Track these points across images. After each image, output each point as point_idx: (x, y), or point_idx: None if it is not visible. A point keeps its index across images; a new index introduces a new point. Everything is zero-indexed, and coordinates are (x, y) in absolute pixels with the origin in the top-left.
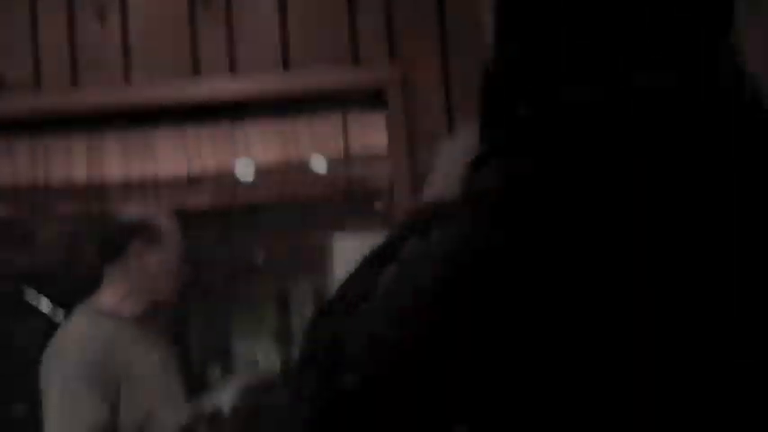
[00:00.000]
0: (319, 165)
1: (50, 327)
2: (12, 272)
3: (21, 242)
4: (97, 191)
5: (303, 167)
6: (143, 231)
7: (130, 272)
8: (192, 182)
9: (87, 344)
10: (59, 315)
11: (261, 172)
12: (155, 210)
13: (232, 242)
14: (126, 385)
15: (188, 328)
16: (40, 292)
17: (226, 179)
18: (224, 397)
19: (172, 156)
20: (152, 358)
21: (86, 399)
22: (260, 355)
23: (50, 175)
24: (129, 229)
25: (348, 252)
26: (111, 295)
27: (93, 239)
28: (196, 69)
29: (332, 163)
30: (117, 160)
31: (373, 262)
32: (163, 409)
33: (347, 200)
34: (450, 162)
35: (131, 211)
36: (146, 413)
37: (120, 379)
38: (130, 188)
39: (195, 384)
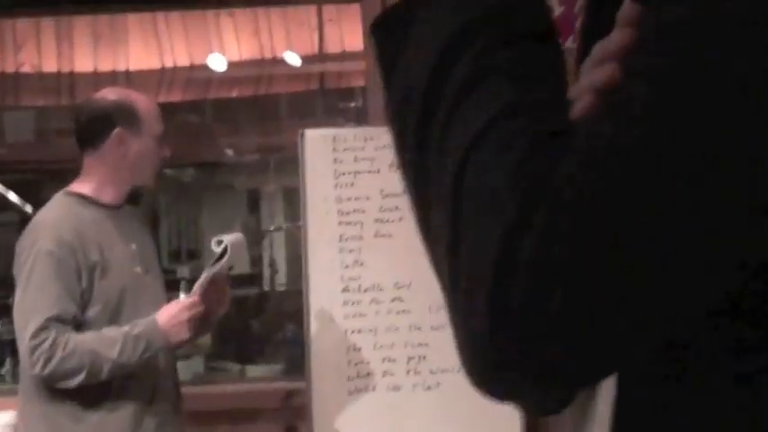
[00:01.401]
0: (293, 60)
1: (20, 220)
2: None
3: None
4: (67, 83)
5: (276, 63)
6: (122, 117)
7: (110, 159)
8: (164, 76)
9: (61, 230)
10: (28, 208)
11: (233, 66)
12: (133, 93)
13: (203, 138)
14: (100, 273)
15: (158, 222)
16: (8, 185)
17: (198, 73)
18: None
19: (143, 48)
20: (129, 247)
21: (51, 289)
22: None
23: (19, 64)
24: (108, 116)
25: (318, 148)
26: (90, 182)
27: (74, 124)
28: None
29: (305, 59)
30: (87, 51)
31: None
32: (139, 299)
33: (320, 96)
34: None
35: (109, 95)
36: (118, 302)
37: (94, 267)
38: (101, 81)
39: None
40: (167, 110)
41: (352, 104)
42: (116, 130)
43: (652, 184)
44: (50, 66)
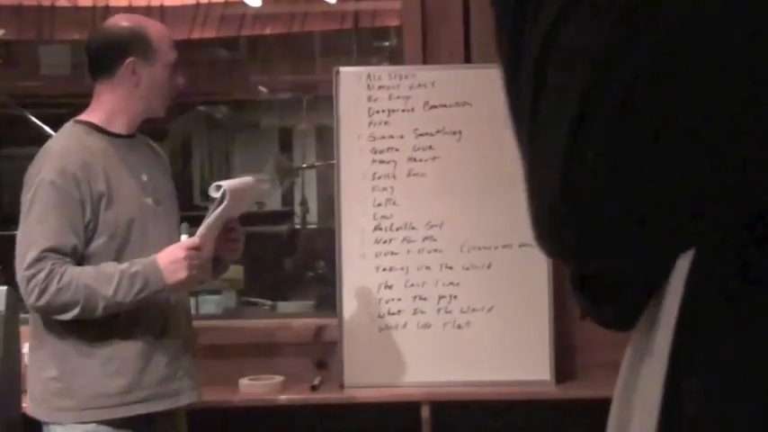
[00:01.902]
0: None
1: None
2: (15, 96)
3: (24, 65)
4: (102, 17)
5: (311, 0)
6: (135, 46)
7: (122, 88)
8: (198, 11)
9: (65, 160)
10: None
11: (268, 3)
12: (146, 21)
13: (236, 75)
14: (106, 204)
15: (191, 158)
16: (42, 118)
17: (232, 9)
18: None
19: None
20: (139, 177)
21: (50, 220)
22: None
23: None
24: (121, 44)
25: (353, 86)
26: (100, 111)
27: (87, 53)
28: None
29: None
30: None
31: None
32: (147, 231)
33: (354, 35)
34: None
35: (122, 23)
36: (125, 234)
37: (100, 197)
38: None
39: (198, 213)
40: (201, 46)
41: (386, 44)
42: (129, 59)
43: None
44: (86, 1)
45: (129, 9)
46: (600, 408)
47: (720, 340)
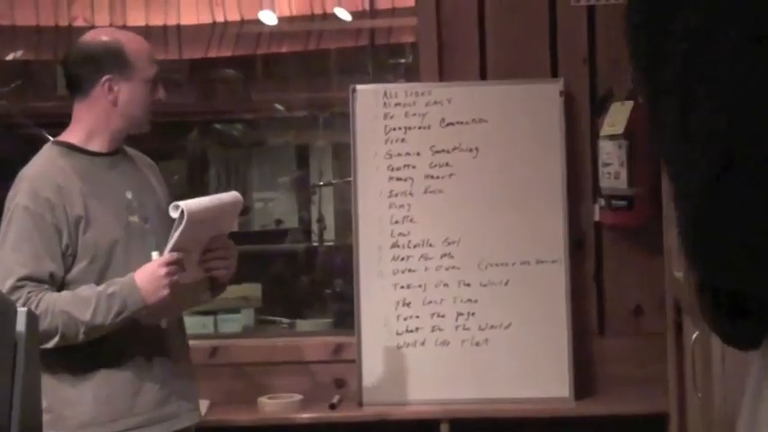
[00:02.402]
0: (343, 15)
1: None
2: (32, 115)
3: (42, 85)
4: None
5: (327, 18)
6: (111, 62)
7: (100, 106)
8: (215, 30)
9: (39, 185)
10: None
11: (284, 21)
12: (123, 35)
13: (252, 93)
14: (84, 227)
15: (207, 176)
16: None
17: (249, 28)
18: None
19: (194, 2)
20: (123, 195)
21: (25, 247)
22: (277, 205)
23: (72, 18)
24: (96, 62)
25: (369, 104)
26: (78, 131)
27: (63, 71)
28: None
29: (356, 14)
30: (139, 5)
31: None
32: (131, 251)
33: (369, 52)
34: None
35: (98, 38)
36: (107, 255)
37: (78, 221)
38: (152, 35)
39: None
40: (218, 65)
41: (402, 61)
42: (105, 77)
43: None
44: (103, 20)
45: (146, 29)
46: (619, 424)
47: None
